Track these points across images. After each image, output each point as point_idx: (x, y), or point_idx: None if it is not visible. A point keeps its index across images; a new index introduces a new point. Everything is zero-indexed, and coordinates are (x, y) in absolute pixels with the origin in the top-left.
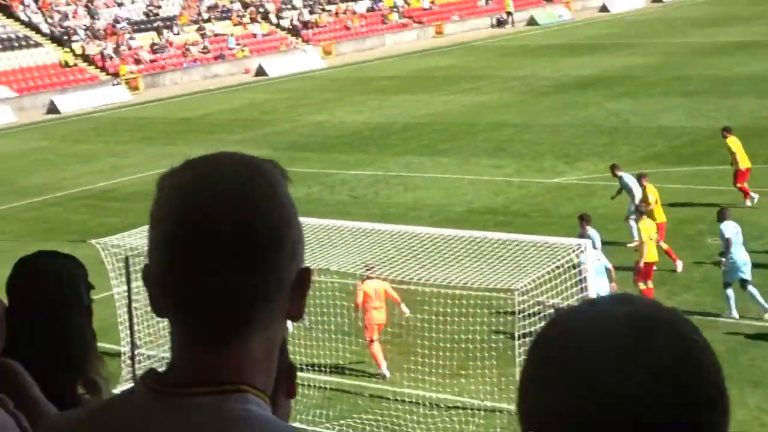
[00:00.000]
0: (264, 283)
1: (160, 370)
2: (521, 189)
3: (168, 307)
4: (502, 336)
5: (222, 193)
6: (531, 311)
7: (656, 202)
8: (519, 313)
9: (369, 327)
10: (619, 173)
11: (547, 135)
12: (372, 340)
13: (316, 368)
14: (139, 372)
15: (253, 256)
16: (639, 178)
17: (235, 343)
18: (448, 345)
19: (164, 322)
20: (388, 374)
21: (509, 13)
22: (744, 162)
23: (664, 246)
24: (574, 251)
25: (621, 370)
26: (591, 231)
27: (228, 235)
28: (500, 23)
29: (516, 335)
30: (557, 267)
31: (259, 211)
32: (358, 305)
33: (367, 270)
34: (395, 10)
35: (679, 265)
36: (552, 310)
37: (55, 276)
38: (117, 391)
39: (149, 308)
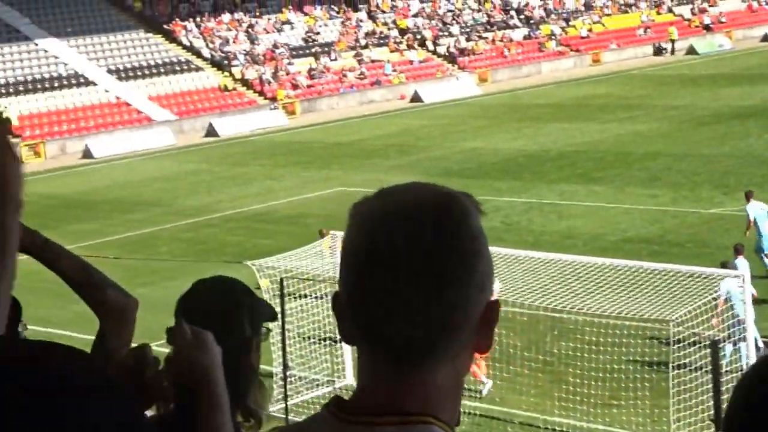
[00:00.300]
0: (452, 312)
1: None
2: (676, 219)
3: (355, 335)
4: (655, 367)
5: (413, 222)
6: (687, 342)
7: None
8: (674, 344)
9: None
10: (751, 200)
11: (705, 165)
12: None
13: (465, 394)
14: (290, 393)
15: (441, 285)
16: None
17: (421, 373)
18: (600, 374)
19: (315, 345)
20: (488, 382)
21: (673, 41)
22: None
23: None
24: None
25: None
26: (739, 260)
27: (417, 263)
28: (659, 52)
29: (670, 366)
30: (714, 298)
31: (450, 241)
32: None
33: None
34: (552, 38)
35: None
36: (708, 342)
37: (217, 304)
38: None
39: (301, 330)
